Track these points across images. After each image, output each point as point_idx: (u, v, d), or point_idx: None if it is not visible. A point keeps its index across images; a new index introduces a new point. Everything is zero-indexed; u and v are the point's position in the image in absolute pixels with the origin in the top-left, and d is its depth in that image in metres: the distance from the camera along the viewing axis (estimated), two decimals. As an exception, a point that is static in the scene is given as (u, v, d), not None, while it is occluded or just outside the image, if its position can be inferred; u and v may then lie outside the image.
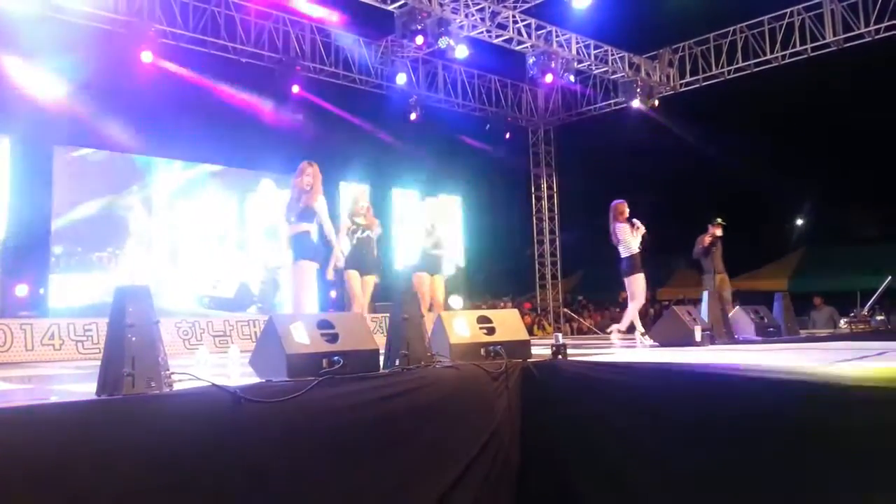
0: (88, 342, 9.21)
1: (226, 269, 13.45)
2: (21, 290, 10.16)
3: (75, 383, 4.86)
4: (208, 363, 4.04)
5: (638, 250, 8.31)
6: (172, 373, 3.36)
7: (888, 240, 19.25)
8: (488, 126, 15.86)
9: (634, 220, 8.35)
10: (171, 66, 11.45)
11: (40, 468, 2.75)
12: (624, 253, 8.33)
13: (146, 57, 10.78)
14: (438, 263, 8.17)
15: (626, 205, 8.39)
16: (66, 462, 2.81)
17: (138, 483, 2.98)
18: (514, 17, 12.24)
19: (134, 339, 3.19)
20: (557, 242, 16.78)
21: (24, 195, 11.11)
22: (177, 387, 3.35)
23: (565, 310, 17.11)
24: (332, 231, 6.50)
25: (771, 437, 3.57)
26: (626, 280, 8.36)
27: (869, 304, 10.42)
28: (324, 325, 4.14)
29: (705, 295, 7.64)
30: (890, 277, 10.57)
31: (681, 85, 14.59)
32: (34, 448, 2.77)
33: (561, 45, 12.96)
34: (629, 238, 8.29)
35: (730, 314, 8.12)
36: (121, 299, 3.25)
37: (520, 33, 12.39)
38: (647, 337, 7.71)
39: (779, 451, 3.53)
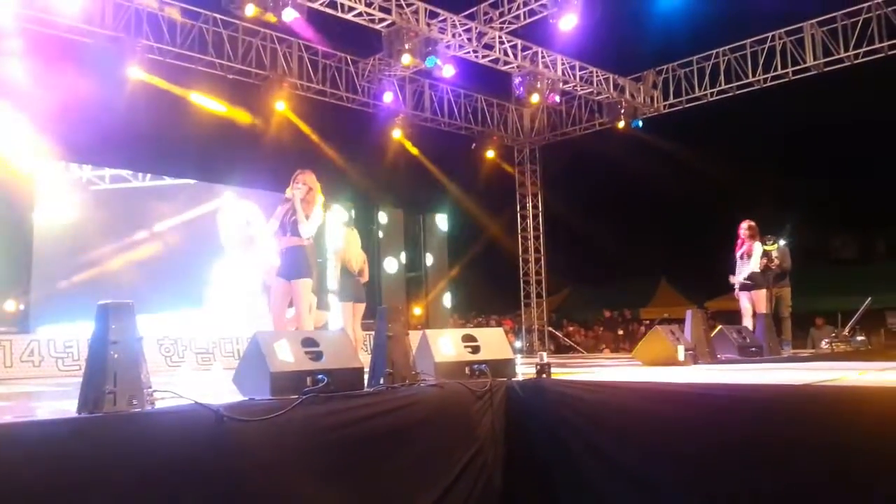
0: (69, 359, 9.12)
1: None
2: (9, 305, 10.03)
3: (56, 401, 4.81)
4: (191, 381, 4.02)
5: (759, 268, 9.32)
6: (155, 390, 3.33)
7: (867, 262, 19.47)
8: (474, 145, 15.92)
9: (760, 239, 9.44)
10: (159, 82, 11.42)
11: (20, 487, 2.71)
12: (752, 268, 9.26)
13: (133, 72, 10.77)
14: None
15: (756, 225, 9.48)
16: (46, 481, 2.77)
17: (120, 502, 2.95)
18: (500, 37, 12.33)
19: (117, 355, 3.16)
20: (542, 261, 16.82)
21: (5, 210, 10.98)
22: (159, 405, 3.32)
23: (550, 328, 17.12)
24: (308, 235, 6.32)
25: (755, 453, 3.59)
26: (751, 294, 9.20)
27: (850, 324, 10.51)
28: (308, 343, 4.13)
29: (689, 314, 7.66)
30: (870, 299, 10.68)
31: (665, 106, 14.74)
32: (13, 467, 2.73)
33: (546, 66, 13.07)
34: (756, 256, 9.32)
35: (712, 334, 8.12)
36: (104, 315, 3.22)
37: (506, 54, 12.49)
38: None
39: (762, 467, 3.56)
